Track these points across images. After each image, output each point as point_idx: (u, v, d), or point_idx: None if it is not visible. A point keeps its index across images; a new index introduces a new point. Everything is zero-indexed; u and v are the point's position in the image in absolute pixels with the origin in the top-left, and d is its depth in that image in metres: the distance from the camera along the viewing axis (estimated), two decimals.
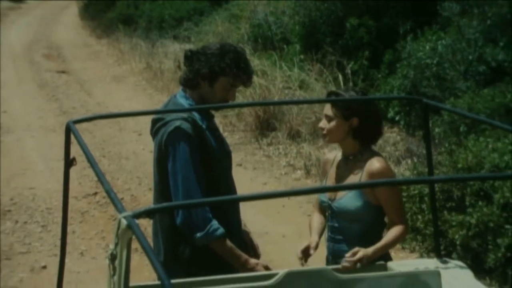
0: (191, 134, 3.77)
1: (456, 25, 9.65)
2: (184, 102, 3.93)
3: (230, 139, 10.50)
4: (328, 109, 3.91)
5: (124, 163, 10.23)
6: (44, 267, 7.02)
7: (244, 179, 8.88)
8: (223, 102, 3.95)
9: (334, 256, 3.90)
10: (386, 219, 3.96)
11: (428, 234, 6.54)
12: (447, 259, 3.81)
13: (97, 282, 6.40)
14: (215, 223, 3.75)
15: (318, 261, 3.96)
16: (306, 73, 11.93)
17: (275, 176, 9.46)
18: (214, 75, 3.89)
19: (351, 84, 10.65)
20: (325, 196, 3.96)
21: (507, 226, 5.89)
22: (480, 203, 6.14)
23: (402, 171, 8.34)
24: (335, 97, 3.91)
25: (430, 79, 9.34)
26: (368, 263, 3.62)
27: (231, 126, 11.59)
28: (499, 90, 8.25)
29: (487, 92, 8.26)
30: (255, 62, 12.18)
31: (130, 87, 15.70)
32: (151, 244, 3.96)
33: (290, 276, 3.38)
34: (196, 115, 3.86)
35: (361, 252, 3.61)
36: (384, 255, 3.80)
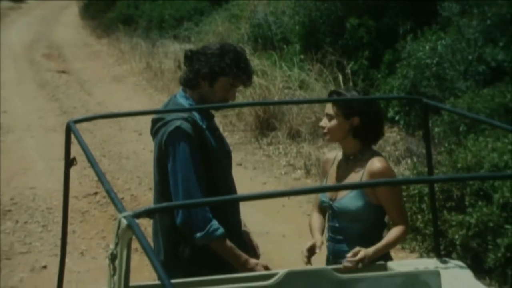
0: (191, 134, 3.77)
1: (456, 25, 9.66)
2: (184, 102, 3.94)
3: (230, 138, 10.50)
4: (329, 108, 3.92)
5: (125, 162, 10.24)
6: (45, 267, 7.03)
7: (244, 179, 8.89)
8: (223, 102, 3.95)
9: (334, 256, 3.90)
10: (386, 219, 3.97)
11: (428, 234, 6.54)
12: (447, 259, 3.81)
13: (97, 282, 6.40)
14: (215, 223, 3.75)
15: (318, 261, 3.96)
16: (306, 73, 11.93)
17: (275, 176, 9.47)
18: (214, 75, 3.90)
19: (351, 84, 10.66)
20: (325, 196, 3.96)
21: (507, 226, 5.89)
22: (479, 203, 6.14)
23: (402, 171, 8.34)
24: (337, 96, 3.91)
25: (430, 79, 9.35)
26: (369, 263, 3.63)
27: (231, 126, 11.59)
28: (499, 90, 8.26)
29: (487, 92, 8.27)
30: (255, 62, 12.19)
31: (130, 87, 15.70)
32: (151, 244, 3.97)
33: (290, 276, 3.38)
34: (196, 115, 3.87)
35: (362, 252, 3.62)
36: (385, 255, 3.80)
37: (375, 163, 3.83)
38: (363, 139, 3.90)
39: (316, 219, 4.03)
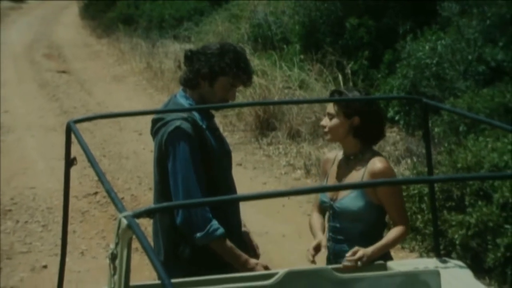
0: (191, 134, 3.78)
1: (456, 25, 9.66)
2: (184, 102, 3.94)
3: (230, 138, 10.51)
4: (330, 108, 3.93)
5: (125, 162, 10.24)
6: (45, 266, 7.03)
7: (244, 179, 8.89)
8: (223, 102, 3.95)
9: (335, 256, 3.90)
10: (387, 219, 3.97)
11: (427, 233, 6.55)
12: (446, 259, 3.81)
13: (97, 281, 6.40)
14: (215, 223, 3.75)
15: (319, 261, 3.96)
16: (306, 73, 11.94)
17: (275, 176, 9.47)
18: (214, 75, 3.90)
19: (351, 84, 10.66)
20: (326, 196, 3.96)
21: (507, 226, 5.90)
22: (479, 202, 6.15)
23: (402, 171, 8.34)
24: (338, 96, 3.92)
25: (430, 79, 9.35)
26: (368, 263, 3.64)
27: (231, 126, 11.60)
28: (498, 90, 8.26)
29: (487, 92, 8.27)
30: (255, 62, 12.19)
31: (130, 87, 15.71)
32: (152, 243, 3.97)
33: (290, 276, 3.38)
34: (196, 115, 3.87)
35: (361, 251, 3.62)
36: (385, 255, 3.80)
37: (376, 163, 3.83)
38: (363, 139, 3.91)
39: (317, 219, 4.03)
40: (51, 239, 7.64)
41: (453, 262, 3.80)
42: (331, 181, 3.99)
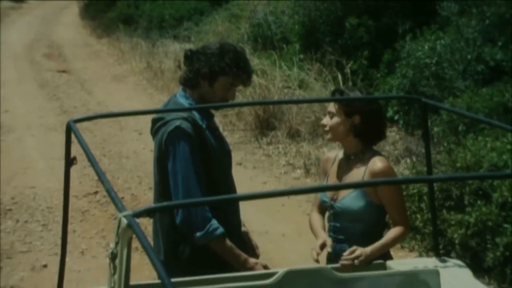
0: (191, 134, 3.78)
1: (455, 24, 9.67)
2: (184, 102, 3.94)
3: (230, 138, 10.52)
4: (331, 106, 3.93)
5: (125, 162, 10.25)
6: (45, 266, 7.04)
7: (244, 178, 8.90)
8: (223, 101, 3.95)
9: (335, 256, 3.89)
10: (387, 219, 3.98)
11: (427, 233, 6.56)
12: (446, 258, 3.82)
13: (97, 281, 6.40)
14: (214, 223, 3.76)
15: (320, 260, 3.96)
16: (305, 72, 11.95)
17: (275, 175, 9.48)
18: (214, 74, 3.90)
19: (350, 83, 10.66)
20: (326, 196, 3.95)
21: (506, 225, 5.90)
22: (478, 202, 6.16)
23: (401, 170, 8.35)
24: (339, 95, 3.93)
25: (429, 78, 9.36)
26: (367, 262, 3.64)
27: (231, 126, 11.60)
28: (498, 90, 8.27)
29: (486, 92, 8.27)
30: (254, 62, 12.20)
31: (130, 87, 15.71)
32: (151, 243, 3.98)
33: (290, 275, 3.38)
34: (196, 114, 3.87)
35: (359, 250, 3.63)
36: (385, 254, 3.80)
37: (377, 163, 3.83)
38: (363, 138, 3.90)
39: (318, 219, 4.02)
40: (51, 238, 7.64)
41: (453, 261, 3.81)
42: (332, 180, 3.98)
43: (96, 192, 8.87)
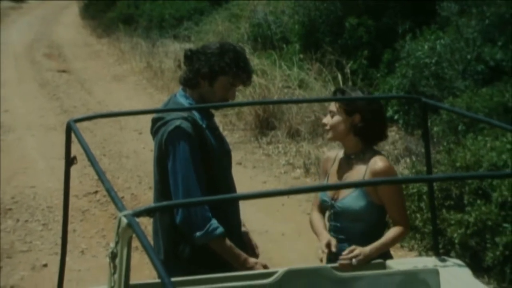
0: (191, 133, 3.78)
1: (455, 24, 9.67)
2: (184, 102, 3.94)
3: (230, 138, 10.52)
4: (332, 106, 3.94)
5: (125, 161, 10.26)
6: (45, 265, 7.05)
7: (244, 178, 8.90)
8: (223, 101, 3.95)
9: (336, 255, 3.90)
10: (387, 219, 3.98)
11: (426, 232, 6.56)
12: (445, 258, 3.81)
13: (97, 280, 6.40)
14: (214, 222, 3.76)
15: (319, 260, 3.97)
16: (305, 72, 11.95)
17: (275, 175, 9.48)
18: (214, 74, 3.90)
19: (350, 83, 10.67)
20: (327, 196, 3.95)
21: (505, 225, 5.91)
22: (478, 201, 6.16)
23: (401, 170, 8.35)
24: (341, 94, 3.93)
25: (429, 78, 9.36)
26: (366, 261, 3.64)
27: (231, 125, 11.61)
28: (497, 89, 8.27)
29: (486, 91, 8.28)
30: (254, 62, 12.21)
31: (130, 86, 15.72)
32: (151, 242, 3.98)
33: (290, 274, 3.38)
34: (196, 114, 3.88)
35: (358, 250, 3.63)
36: (385, 254, 3.80)
37: (378, 163, 3.83)
38: (364, 138, 3.90)
39: (320, 219, 4.01)
40: (51, 238, 7.65)
41: (452, 261, 3.81)
42: (332, 180, 3.98)
43: (96, 192, 8.87)
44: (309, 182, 9.03)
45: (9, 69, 17.72)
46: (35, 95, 15.13)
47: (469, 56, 9.11)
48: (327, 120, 3.93)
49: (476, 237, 6.06)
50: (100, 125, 11.84)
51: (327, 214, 4.01)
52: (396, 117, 9.81)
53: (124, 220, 2.24)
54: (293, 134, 10.63)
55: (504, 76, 8.76)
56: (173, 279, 2.03)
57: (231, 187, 4.02)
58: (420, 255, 6.51)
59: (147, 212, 2.28)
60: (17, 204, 8.63)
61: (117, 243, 2.38)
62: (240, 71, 3.94)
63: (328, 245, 3.77)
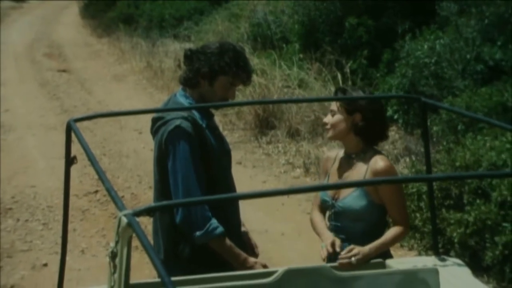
0: (191, 133, 3.78)
1: (454, 24, 9.67)
2: (184, 101, 3.94)
3: (230, 137, 10.53)
4: (333, 105, 3.94)
5: (125, 161, 10.26)
6: (45, 264, 7.05)
7: (244, 177, 8.91)
8: (223, 100, 3.95)
9: (336, 255, 3.90)
10: (388, 218, 3.98)
11: (426, 232, 6.56)
12: (445, 257, 3.82)
13: (97, 279, 6.40)
14: (214, 222, 3.76)
15: (319, 259, 3.98)
16: (305, 72, 11.95)
17: (275, 174, 9.49)
18: (213, 74, 3.91)
19: (350, 83, 10.67)
20: (327, 195, 3.95)
21: (505, 224, 5.91)
22: (478, 201, 6.16)
23: (401, 169, 8.35)
24: (342, 94, 3.93)
25: (428, 78, 9.36)
26: (365, 260, 3.65)
27: (230, 125, 11.62)
28: (497, 89, 8.27)
29: (485, 91, 8.28)
30: (254, 61, 12.21)
31: (130, 86, 15.72)
32: (151, 242, 3.98)
33: (289, 274, 3.38)
34: (196, 114, 3.88)
35: (357, 249, 3.63)
36: (385, 253, 3.81)
37: (379, 162, 3.82)
38: (364, 137, 3.90)
39: (321, 218, 4.00)
40: (52, 237, 7.66)
41: (452, 260, 3.81)
42: (332, 179, 3.97)
43: (96, 191, 8.88)
44: (309, 181, 9.03)
45: (10, 69, 17.73)
46: (36, 94, 15.14)
47: (468, 56, 9.11)
48: (328, 119, 3.93)
49: (476, 237, 6.07)
50: (100, 124, 11.85)
51: (327, 213, 4.00)
52: (395, 116, 9.81)
53: (124, 220, 2.25)
54: (293, 134, 10.63)
55: (503, 75, 8.76)
56: (173, 278, 2.04)
57: (231, 187, 4.02)
58: (419, 254, 6.51)
59: (147, 211, 2.29)
60: (17, 204, 8.64)
61: (117, 242, 2.38)
62: (240, 71, 3.94)
63: (333, 245, 3.77)
